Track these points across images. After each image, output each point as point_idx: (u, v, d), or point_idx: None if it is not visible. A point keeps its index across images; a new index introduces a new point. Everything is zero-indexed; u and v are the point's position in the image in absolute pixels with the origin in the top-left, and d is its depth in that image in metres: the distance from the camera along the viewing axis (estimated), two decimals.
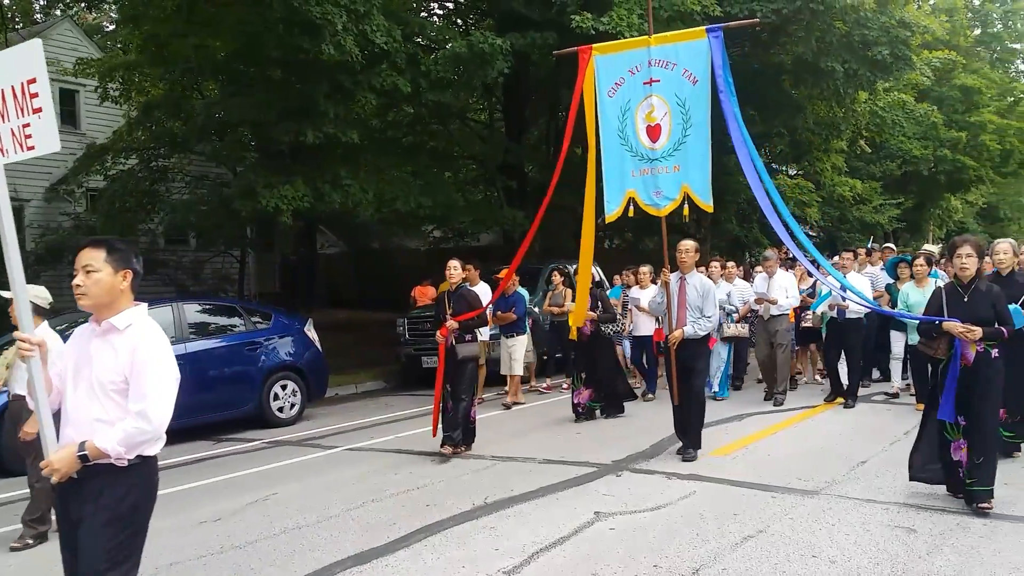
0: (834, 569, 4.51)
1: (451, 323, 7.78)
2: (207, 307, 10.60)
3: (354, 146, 13.59)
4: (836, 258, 10.63)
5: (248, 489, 7.03)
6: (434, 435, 7.90)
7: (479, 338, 10.48)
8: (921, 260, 9.48)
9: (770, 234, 24.05)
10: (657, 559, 4.77)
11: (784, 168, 26.81)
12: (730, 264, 11.58)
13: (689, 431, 7.42)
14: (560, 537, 5.24)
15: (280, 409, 10.28)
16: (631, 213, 7.41)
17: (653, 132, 7.31)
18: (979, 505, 5.33)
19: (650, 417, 9.35)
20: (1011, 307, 5.89)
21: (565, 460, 7.46)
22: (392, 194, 13.97)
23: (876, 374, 11.48)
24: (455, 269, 8.06)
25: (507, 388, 11.13)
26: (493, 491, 6.42)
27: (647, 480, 6.60)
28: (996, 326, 5.43)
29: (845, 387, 9.82)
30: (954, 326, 5.40)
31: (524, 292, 11.74)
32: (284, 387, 10.34)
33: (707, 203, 7.17)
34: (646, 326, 10.74)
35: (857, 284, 9.31)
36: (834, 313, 9.67)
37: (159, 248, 18.58)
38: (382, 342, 14.96)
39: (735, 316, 10.84)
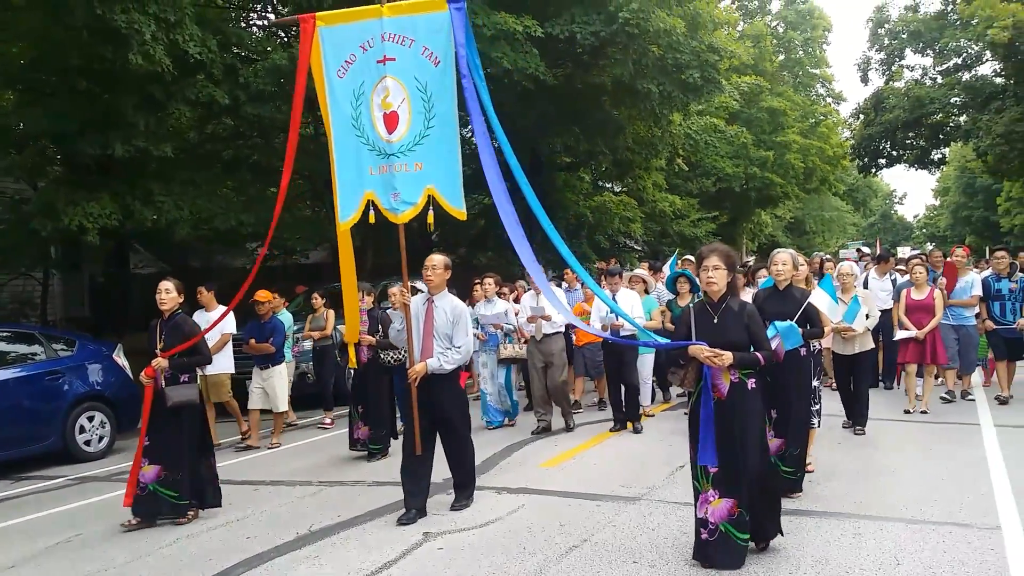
0: (653, 573, 4.63)
1: (159, 361, 6.32)
2: (1, 335, 9.69)
3: (168, 160, 12.91)
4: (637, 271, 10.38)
5: (49, 532, 6.44)
6: (127, 503, 6.32)
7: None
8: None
9: (597, 249, 24.91)
10: None
11: (610, 185, 27.81)
12: (488, 281, 9.98)
13: (459, 482, 6.38)
14: (387, 561, 5.11)
15: (87, 442, 9.52)
16: (372, 219, 6.16)
17: (390, 121, 6.08)
18: None
19: (481, 434, 9.34)
20: (785, 324, 5.47)
21: (396, 481, 7.21)
22: (210, 211, 13.37)
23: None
24: (167, 292, 6.52)
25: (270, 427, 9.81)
26: (318, 518, 6.20)
27: (477, 496, 6.55)
28: (752, 351, 4.71)
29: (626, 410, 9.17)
30: (700, 350, 4.61)
31: (288, 317, 10.52)
32: (91, 419, 9.57)
33: (459, 209, 5.99)
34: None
35: (627, 300, 9.09)
36: (607, 334, 8.82)
37: None
38: None
39: (514, 336, 9.78)
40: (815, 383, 6.50)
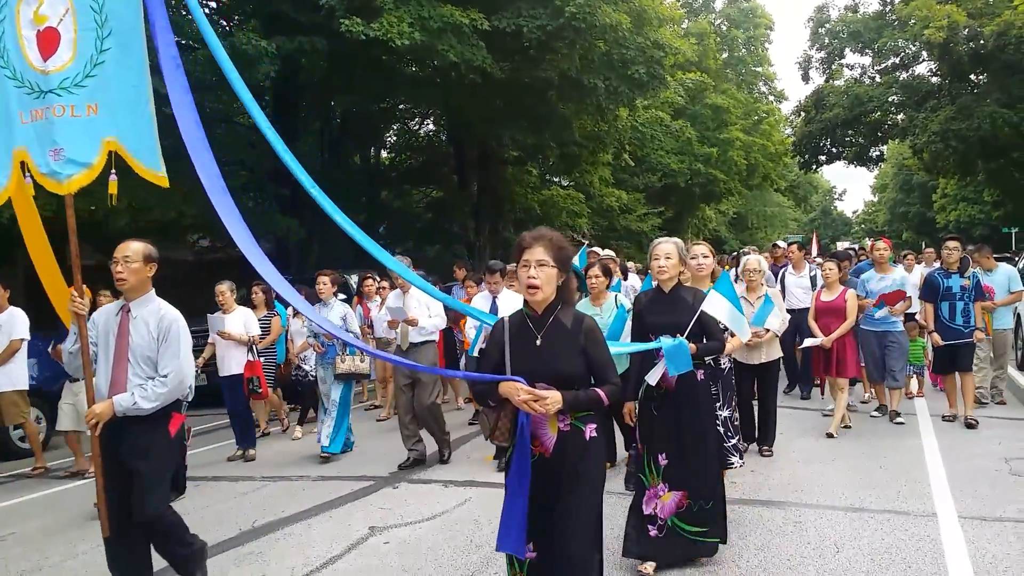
0: None
1: None
2: None
3: None
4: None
5: None
6: None
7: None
8: (597, 271, 7.30)
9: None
10: (431, 569, 4.73)
11: (558, 179, 27.96)
12: (322, 280, 8.20)
13: None
14: (332, 556, 5.05)
15: (22, 438, 9.25)
16: (31, 191, 4.28)
17: (46, 43, 4.09)
18: None
19: None
20: (671, 343, 4.23)
21: (341, 475, 7.25)
22: (149, 202, 13.06)
23: None
24: None
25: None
26: (261, 514, 6.11)
27: (424, 489, 6.55)
28: (592, 387, 3.18)
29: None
30: (514, 389, 3.07)
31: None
32: None
33: (156, 171, 4.23)
34: (235, 361, 8.25)
35: (510, 305, 7.24)
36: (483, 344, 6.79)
37: None
38: None
39: (355, 348, 8.05)
40: (724, 413, 5.14)
